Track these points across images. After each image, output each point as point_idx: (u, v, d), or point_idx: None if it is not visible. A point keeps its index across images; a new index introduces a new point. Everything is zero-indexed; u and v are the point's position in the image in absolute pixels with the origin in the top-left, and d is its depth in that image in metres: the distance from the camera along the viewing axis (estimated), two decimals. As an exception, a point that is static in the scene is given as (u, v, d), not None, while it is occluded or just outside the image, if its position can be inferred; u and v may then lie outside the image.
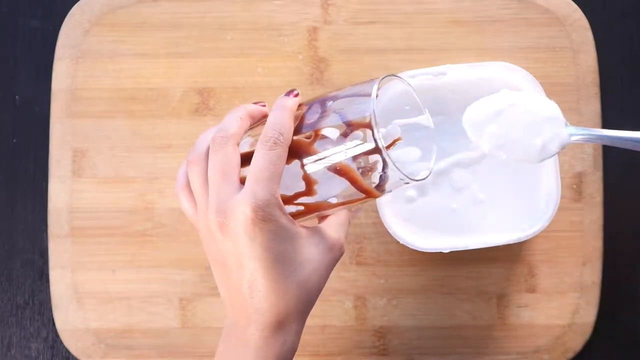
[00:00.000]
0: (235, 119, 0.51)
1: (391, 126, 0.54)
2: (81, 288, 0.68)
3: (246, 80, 0.69)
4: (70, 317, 0.67)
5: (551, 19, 0.68)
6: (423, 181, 0.50)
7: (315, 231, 0.50)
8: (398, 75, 0.51)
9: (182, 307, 0.67)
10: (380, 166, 0.48)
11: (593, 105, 0.68)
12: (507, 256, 0.67)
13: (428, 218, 0.64)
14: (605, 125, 0.68)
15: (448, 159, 0.64)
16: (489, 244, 0.62)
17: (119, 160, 0.68)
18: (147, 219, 0.68)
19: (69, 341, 0.67)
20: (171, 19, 0.69)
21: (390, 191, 0.50)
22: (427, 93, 0.64)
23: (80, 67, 0.69)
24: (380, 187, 0.49)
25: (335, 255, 0.50)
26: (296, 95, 0.51)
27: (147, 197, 0.68)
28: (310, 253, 0.49)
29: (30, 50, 0.71)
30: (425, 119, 0.53)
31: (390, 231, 0.62)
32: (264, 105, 0.53)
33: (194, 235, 0.68)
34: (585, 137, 0.57)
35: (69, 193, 0.68)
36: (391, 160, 0.47)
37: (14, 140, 0.70)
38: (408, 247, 0.62)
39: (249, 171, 0.48)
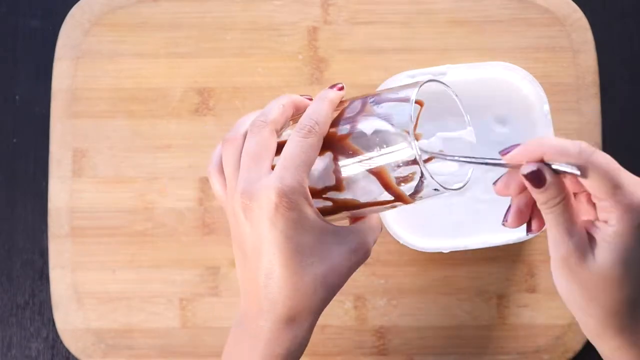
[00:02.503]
0: (278, 106, 0.49)
1: (434, 139, 0.52)
2: (81, 288, 0.68)
3: (246, 80, 0.69)
4: (70, 317, 0.67)
5: (551, 19, 0.68)
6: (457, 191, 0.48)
7: (342, 230, 0.48)
8: (442, 81, 0.49)
9: (182, 307, 0.67)
10: (417, 176, 0.46)
11: (593, 105, 0.68)
12: (507, 256, 0.67)
13: (428, 218, 0.64)
14: (605, 124, 0.68)
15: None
16: (489, 244, 0.62)
17: (119, 160, 0.68)
18: (147, 219, 0.68)
19: (69, 341, 0.67)
20: (171, 19, 0.69)
21: (422, 198, 0.48)
22: (427, 93, 0.64)
23: (80, 67, 0.69)
24: (414, 195, 0.47)
25: (359, 258, 0.49)
26: (340, 88, 0.50)
27: (147, 197, 0.68)
28: (332, 250, 0.47)
29: (30, 50, 0.71)
30: (468, 133, 0.51)
31: (390, 231, 0.62)
32: (311, 99, 0.51)
33: (194, 235, 0.68)
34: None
35: (69, 193, 0.68)
36: (428, 173, 0.45)
37: (14, 140, 0.70)
38: (408, 247, 0.62)
39: (280, 157, 0.47)
